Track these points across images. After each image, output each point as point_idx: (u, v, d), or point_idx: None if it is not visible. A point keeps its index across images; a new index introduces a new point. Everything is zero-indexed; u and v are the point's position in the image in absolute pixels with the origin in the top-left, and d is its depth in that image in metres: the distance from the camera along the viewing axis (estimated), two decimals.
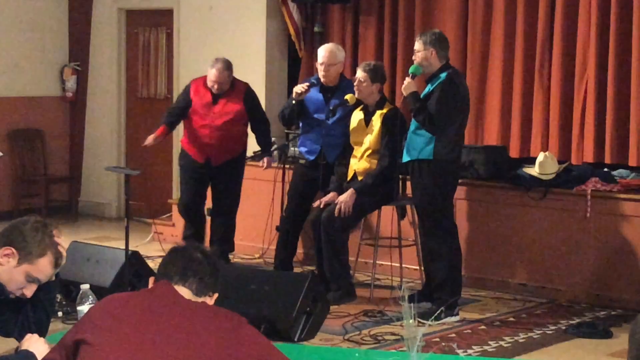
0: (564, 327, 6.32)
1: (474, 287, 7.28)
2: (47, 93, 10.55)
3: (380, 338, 5.96)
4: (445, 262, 6.47)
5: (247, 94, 7.71)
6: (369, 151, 6.89)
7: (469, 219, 7.41)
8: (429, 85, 6.48)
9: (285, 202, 7.44)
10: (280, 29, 9.25)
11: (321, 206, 6.93)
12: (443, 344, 5.83)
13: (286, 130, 8.41)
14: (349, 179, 7.01)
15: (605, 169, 7.33)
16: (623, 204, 6.87)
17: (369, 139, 6.88)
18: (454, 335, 6.11)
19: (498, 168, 7.50)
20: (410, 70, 6.53)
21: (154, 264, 7.14)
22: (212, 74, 7.56)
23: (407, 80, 6.45)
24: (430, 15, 8.34)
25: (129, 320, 2.97)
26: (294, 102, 7.24)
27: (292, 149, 7.94)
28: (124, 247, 6.51)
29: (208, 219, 7.99)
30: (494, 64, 8.03)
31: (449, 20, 8.22)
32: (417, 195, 6.59)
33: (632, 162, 7.33)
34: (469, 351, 5.74)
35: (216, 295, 3.19)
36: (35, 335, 3.40)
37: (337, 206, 6.78)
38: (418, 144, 6.42)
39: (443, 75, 6.41)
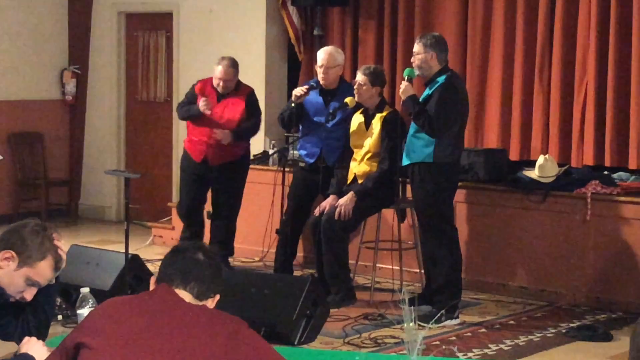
0: (564, 330, 6.32)
1: (474, 290, 7.28)
2: (47, 96, 10.55)
3: (380, 341, 5.96)
4: (445, 265, 6.47)
5: (250, 96, 7.72)
6: (369, 154, 6.89)
7: (469, 222, 7.41)
8: (428, 89, 6.48)
9: (285, 205, 7.44)
10: (280, 32, 9.26)
11: (316, 214, 6.94)
12: (443, 347, 5.81)
13: (286, 134, 8.41)
14: (349, 182, 7.01)
15: (605, 172, 7.33)
16: (623, 207, 6.87)
17: (369, 142, 6.88)
18: (454, 338, 6.11)
19: (498, 171, 7.49)
20: (405, 73, 6.53)
21: (153, 268, 7.14)
22: (218, 71, 7.58)
23: (404, 83, 6.45)
24: (430, 18, 8.34)
25: (128, 323, 2.97)
26: (293, 105, 7.24)
27: (292, 152, 7.94)
28: (123, 250, 6.52)
29: (208, 222, 7.99)
30: (494, 67, 8.03)
31: (449, 23, 8.22)
32: (417, 199, 6.59)
33: (632, 165, 7.33)
34: (470, 354, 5.74)
35: (218, 296, 3.17)
36: (35, 339, 3.39)
37: (337, 209, 6.78)
38: (418, 147, 6.42)
39: (442, 78, 6.41)
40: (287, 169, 7.63)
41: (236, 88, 7.68)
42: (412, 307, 3.83)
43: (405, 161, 6.54)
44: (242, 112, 7.65)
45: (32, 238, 3.52)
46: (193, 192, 7.84)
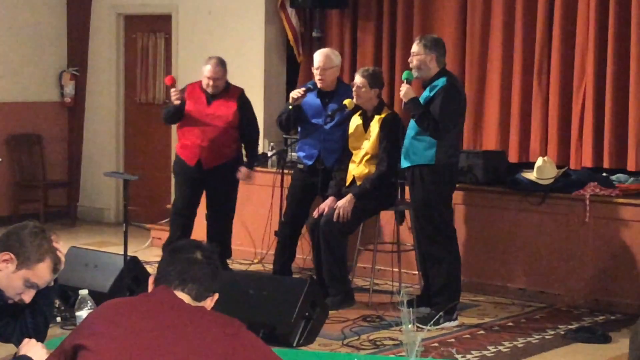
0: (562, 332, 6.32)
1: (472, 292, 7.28)
2: (45, 98, 10.55)
3: (379, 343, 5.96)
4: (444, 267, 6.47)
5: (241, 97, 7.69)
6: (368, 156, 6.89)
7: (467, 223, 7.41)
8: (427, 90, 6.48)
9: (284, 207, 7.43)
10: (279, 34, 9.26)
11: (315, 216, 6.93)
12: (442, 349, 5.82)
13: (285, 135, 8.41)
14: (347, 184, 7.01)
15: (604, 174, 7.34)
16: (622, 209, 6.87)
17: (368, 144, 6.88)
18: (452, 340, 6.11)
19: (497, 173, 7.50)
20: (404, 76, 6.52)
21: (152, 269, 7.12)
22: (207, 70, 7.56)
23: (405, 86, 6.44)
24: (429, 20, 8.35)
25: (127, 325, 2.97)
26: (291, 107, 7.24)
27: (291, 154, 7.93)
28: (122, 252, 6.52)
29: (204, 224, 7.97)
30: (493, 69, 8.04)
31: (448, 25, 8.23)
32: (416, 200, 6.58)
33: (630, 166, 7.34)
34: (468, 356, 5.75)
35: (216, 295, 3.17)
36: (33, 341, 3.39)
37: (336, 211, 6.78)
38: (419, 150, 6.41)
39: (443, 80, 6.40)
40: (285, 171, 7.62)
41: (226, 89, 7.66)
42: (411, 309, 3.83)
43: (405, 163, 6.53)
44: (235, 114, 7.62)
45: (31, 240, 3.52)
46: (187, 196, 7.79)
